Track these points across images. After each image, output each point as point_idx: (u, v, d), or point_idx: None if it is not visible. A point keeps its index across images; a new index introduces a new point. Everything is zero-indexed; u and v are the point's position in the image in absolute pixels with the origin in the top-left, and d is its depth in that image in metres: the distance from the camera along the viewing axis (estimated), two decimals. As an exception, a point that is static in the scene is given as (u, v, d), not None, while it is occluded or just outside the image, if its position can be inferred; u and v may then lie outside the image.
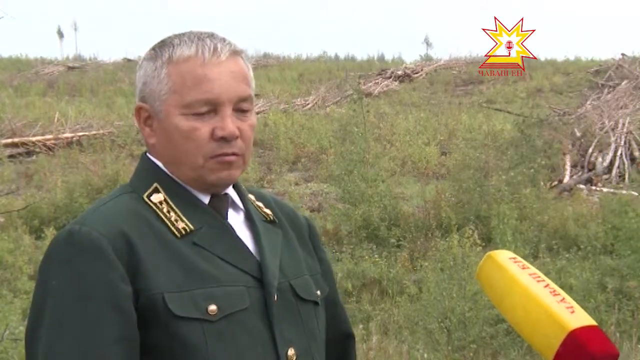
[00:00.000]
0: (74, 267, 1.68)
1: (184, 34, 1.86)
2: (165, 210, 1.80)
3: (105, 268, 1.67)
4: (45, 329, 1.66)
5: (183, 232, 1.78)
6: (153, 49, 1.87)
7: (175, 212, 1.80)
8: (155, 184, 1.83)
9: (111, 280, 1.67)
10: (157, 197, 1.81)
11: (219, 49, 1.82)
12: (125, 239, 1.71)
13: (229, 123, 1.81)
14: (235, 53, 1.85)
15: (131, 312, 1.68)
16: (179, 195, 1.83)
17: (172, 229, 1.78)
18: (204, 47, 1.82)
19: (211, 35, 1.85)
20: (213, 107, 1.80)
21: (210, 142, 1.80)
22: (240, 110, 1.84)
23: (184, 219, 1.80)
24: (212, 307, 1.73)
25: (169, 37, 1.87)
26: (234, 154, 1.82)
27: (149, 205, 1.80)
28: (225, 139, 1.80)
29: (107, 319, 1.65)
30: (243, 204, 1.93)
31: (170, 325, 1.70)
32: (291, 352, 1.82)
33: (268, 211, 1.98)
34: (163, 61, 1.83)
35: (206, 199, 1.86)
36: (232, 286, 1.77)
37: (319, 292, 1.96)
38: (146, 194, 1.82)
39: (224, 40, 1.85)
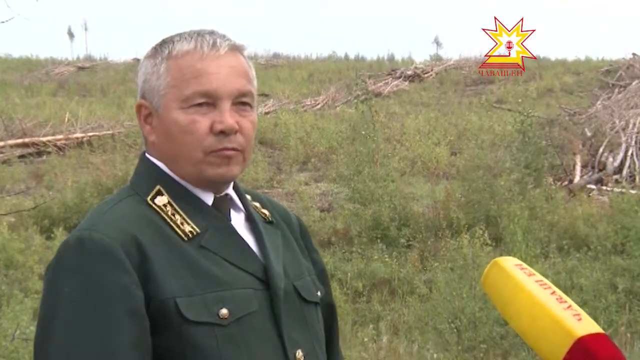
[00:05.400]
0: (87, 274, 1.66)
1: (185, 32, 1.86)
2: (170, 213, 1.78)
3: (120, 273, 1.66)
4: (59, 336, 1.63)
5: (190, 235, 1.77)
6: (154, 47, 1.88)
7: (180, 215, 1.79)
8: (157, 186, 1.81)
9: (126, 285, 1.66)
10: (161, 200, 1.80)
11: (217, 44, 1.83)
12: (136, 244, 1.69)
13: (228, 116, 1.80)
14: (235, 48, 1.85)
15: (145, 317, 1.67)
16: (183, 197, 1.82)
17: (179, 232, 1.76)
18: (202, 41, 1.82)
19: (211, 32, 1.86)
20: (212, 100, 1.80)
21: (210, 136, 1.79)
22: (240, 105, 1.83)
23: (190, 221, 1.78)
24: (224, 311, 1.72)
25: (171, 36, 1.88)
26: (233, 149, 1.81)
27: (154, 208, 1.79)
28: (225, 133, 1.79)
29: (123, 324, 1.64)
30: (243, 204, 1.92)
31: (182, 330, 1.69)
32: (299, 354, 1.83)
33: (266, 212, 1.98)
34: (163, 57, 1.83)
35: (209, 200, 1.85)
36: (240, 289, 1.77)
37: (318, 293, 1.97)
38: (150, 196, 1.80)
39: (224, 36, 1.86)
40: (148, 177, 1.84)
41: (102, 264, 1.66)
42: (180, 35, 1.86)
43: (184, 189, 1.83)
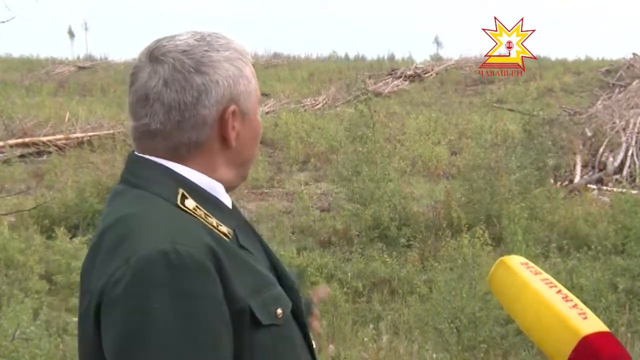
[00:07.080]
0: (181, 289, 1.56)
1: (212, 34, 1.79)
2: (202, 215, 1.70)
3: (213, 286, 1.59)
4: (154, 356, 1.53)
5: (229, 235, 1.71)
6: (229, 47, 1.78)
7: (212, 217, 1.72)
8: (181, 190, 1.72)
9: (219, 298, 1.60)
10: (189, 203, 1.71)
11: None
12: (213, 253, 1.62)
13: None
14: None
15: (231, 328, 1.63)
16: (206, 199, 1.75)
17: (219, 233, 1.69)
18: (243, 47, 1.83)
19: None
20: None
21: None
22: None
23: (221, 222, 1.73)
24: (279, 311, 1.71)
25: (217, 35, 1.79)
26: None
27: (187, 212, 1.70)
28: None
29: (223, 338, 1.59)
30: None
31: (252, 334, 1.65)
32: (315, 346, 1.87)
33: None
34: (244, 61, 1.79)
35: (229, 202, 1.82)
36: (279, 287, 1.77)
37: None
38: (178, 200, 1.70)
39: None
40: (167, 181, 1.73)
41: (195, 278, 1.57)
42: (225, 37, 1.79)
43: (205, 192, 1.76)
